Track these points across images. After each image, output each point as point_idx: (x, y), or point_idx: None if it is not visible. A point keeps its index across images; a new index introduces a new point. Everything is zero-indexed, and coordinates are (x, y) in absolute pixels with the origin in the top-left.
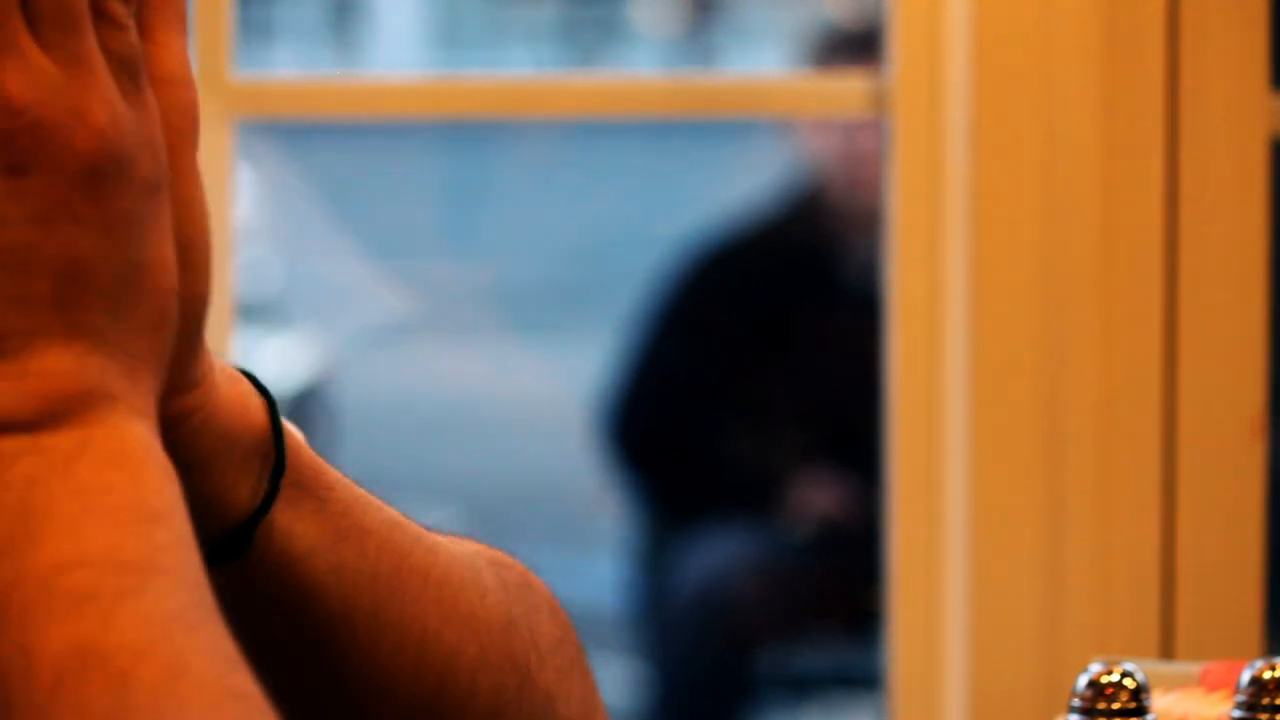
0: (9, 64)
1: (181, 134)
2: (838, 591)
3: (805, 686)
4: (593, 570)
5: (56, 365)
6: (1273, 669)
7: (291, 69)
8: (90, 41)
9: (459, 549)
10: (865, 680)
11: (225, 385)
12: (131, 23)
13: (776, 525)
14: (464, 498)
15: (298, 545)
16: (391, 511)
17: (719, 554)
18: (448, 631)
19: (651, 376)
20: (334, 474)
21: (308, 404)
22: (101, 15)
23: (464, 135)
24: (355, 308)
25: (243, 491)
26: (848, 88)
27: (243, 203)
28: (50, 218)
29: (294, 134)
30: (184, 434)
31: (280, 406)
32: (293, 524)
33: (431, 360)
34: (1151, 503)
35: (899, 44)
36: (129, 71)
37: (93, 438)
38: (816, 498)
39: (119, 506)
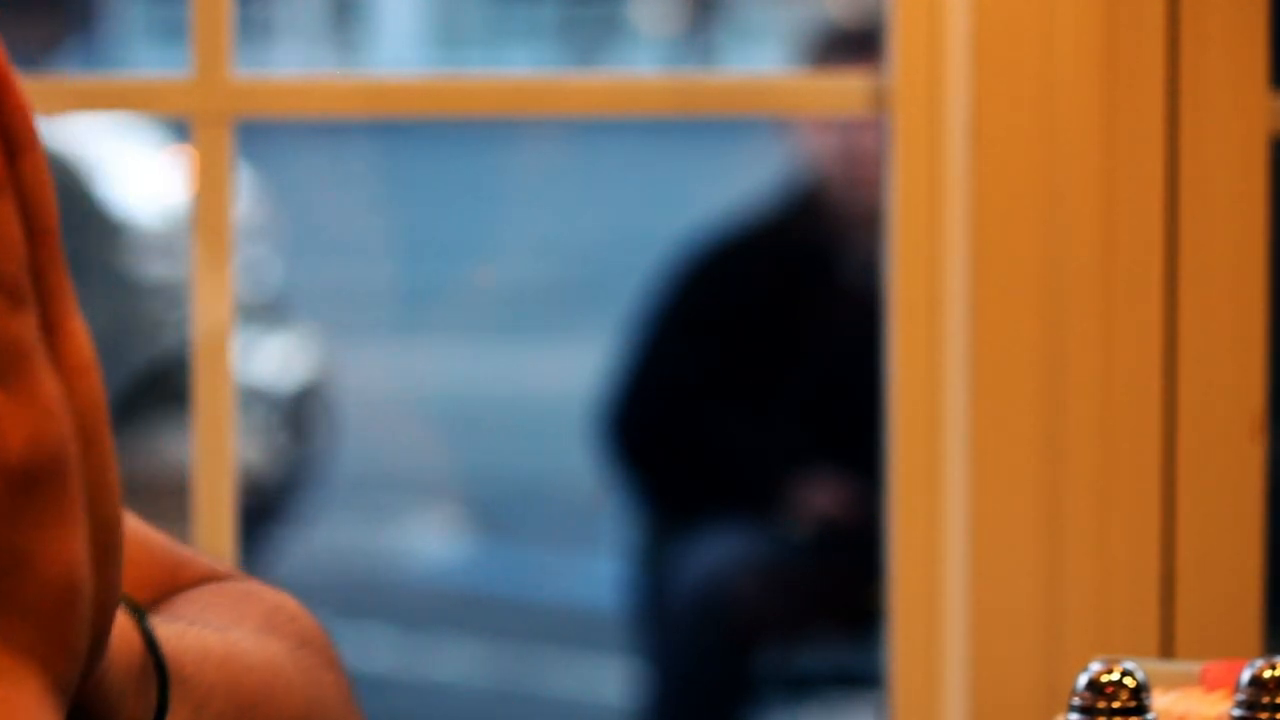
0: None
1: (93, 422)
2: (838, 591)
3: (805, 686)
4: (593, 570)
5: None
6: (1273, 668)
7: (291, 69)
8: None
9: (263, 644)
10: (865, 680)
11: None
12: (14, 318)
13: (776, 525)
14: (465, 497)
15: None
16: (217, 642)
17: (719, 553)
18: None
19: (652, 375)
20: (179, 635)
21: (308, 403)
22: None
23: (464, 135)
24: (356, 307)
25: (139, 713)
26: (848, 87)
27: (243, 203)
28: None
29: (294, 134)
30: (96, 694)
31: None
32: None
33: (432, 359)
34: (1151, 503)
35: (899, 43)
36: (6, 362)
37: None
38: (817, 497)
39: None
